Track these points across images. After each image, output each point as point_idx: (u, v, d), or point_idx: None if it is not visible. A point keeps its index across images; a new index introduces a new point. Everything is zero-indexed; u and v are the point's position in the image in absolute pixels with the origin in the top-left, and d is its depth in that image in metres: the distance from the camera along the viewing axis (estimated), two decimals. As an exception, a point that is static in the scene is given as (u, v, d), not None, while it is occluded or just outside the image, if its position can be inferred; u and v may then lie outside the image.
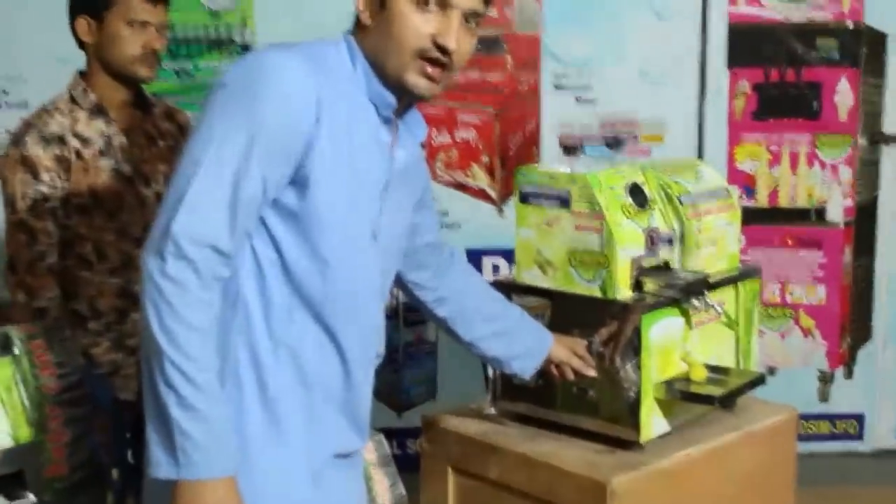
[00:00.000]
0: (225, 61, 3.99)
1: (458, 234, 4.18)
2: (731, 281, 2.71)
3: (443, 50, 1.91)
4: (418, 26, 1.90)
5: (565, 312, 2.56)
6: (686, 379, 2.58)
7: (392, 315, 4.17)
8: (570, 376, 2.54)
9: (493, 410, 2.72)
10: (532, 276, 2.61)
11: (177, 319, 1.74)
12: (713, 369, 2.62)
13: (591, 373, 2.52)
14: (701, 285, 2.55)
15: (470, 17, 1.94)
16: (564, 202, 2.52)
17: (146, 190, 2.81)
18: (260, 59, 1.85)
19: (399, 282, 2.35)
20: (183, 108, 3.07)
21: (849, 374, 4.52)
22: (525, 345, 2.52)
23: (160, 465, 1.75)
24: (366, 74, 1.96)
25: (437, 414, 2.77)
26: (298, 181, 1.86)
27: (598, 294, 2.50)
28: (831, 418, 4.54)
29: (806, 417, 4.47)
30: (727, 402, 2.56)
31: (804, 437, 4.37)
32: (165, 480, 1.76)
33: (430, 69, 1.93)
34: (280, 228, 1.88)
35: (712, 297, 2.57)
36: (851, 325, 4.49)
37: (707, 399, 2.52)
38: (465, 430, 2.66)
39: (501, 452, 2.56)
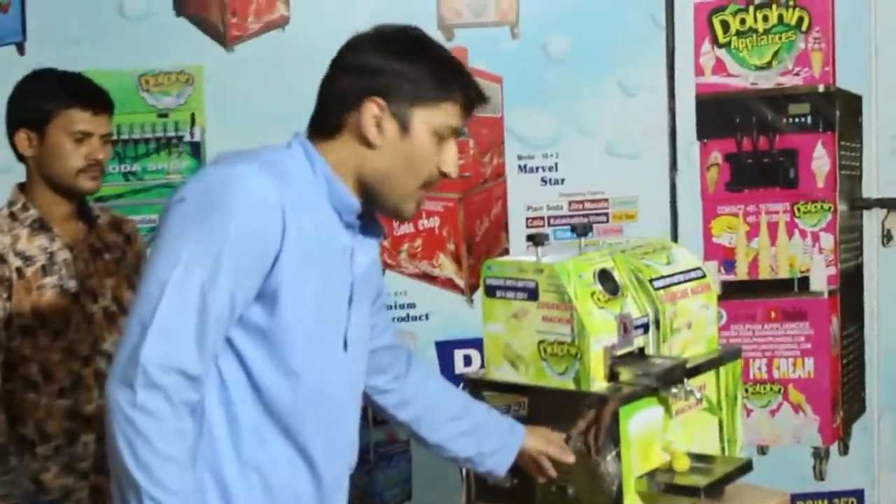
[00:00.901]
0: (174, 162, 4.03)
1: (426, 326, 4.21)
2: (711, 365, 2.76)
3: (444, 177, 2.05)
4: (434, 158, 2.04)
5: (540, 408, 2.60)
6: (669, 470, 2.61)
7: (361, 414, 4.18)
8: (549, 468, 2.56)
9: (468, 502, 2.75)
10: (503, 372, 2.65)
11: (153, 452, 1.76)
12: (697, 458, 2.66)
13: (570, 459, 2.54)
14: (679, 372, 2.60)
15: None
16: (532, 294, 2.57)
17: (93, 306, 2.83)
18: (220, 171, 1.91)
19: None
20: (131, 211, 3.11)
21: (844, 449, 4.54)
22: (496, 441, 2.55)
23: None
24: (327, 180, 2.02)
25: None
26: (266, 295, 1.90)
27: (571, 387, 2.54)
28: (829, 497, 4.54)
29: (803, 497, 4.47)
30: (713, 491, 2.59)
31: (803, 519, 4.39)
32: None
33: (424, 195, 2.06)
34: (247, 345, 1.92)
35: (692, 384, 2.61)
36: (844, 397, 4.52)
37: (692, 490, 2.55)
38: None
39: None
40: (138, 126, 4.01)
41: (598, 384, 2.52)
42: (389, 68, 2.01)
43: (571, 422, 2.54)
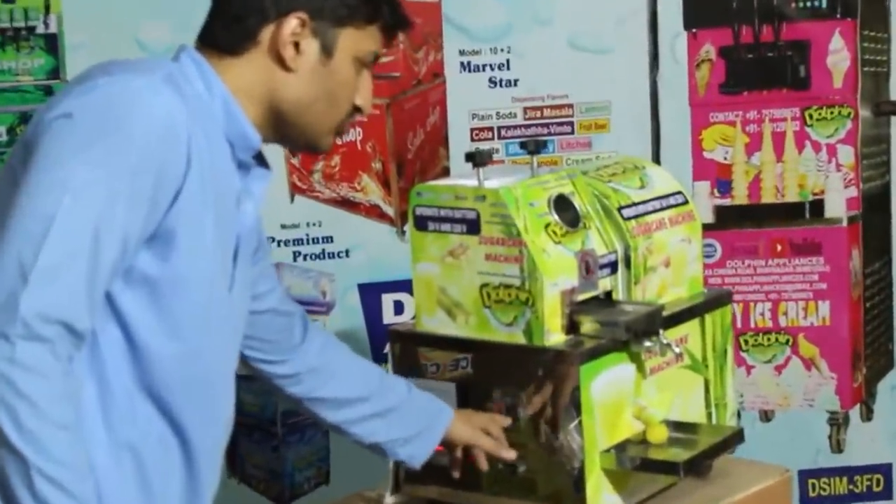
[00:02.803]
0: (24, 59, 4.01)
1: (347, 265, 4.21)
2: (695, 312, 2.83)
3: (358, 111, 2.16)
4: (356, 88, 2.14)
5: (482, 367, 2.66)
6: (643, 442, 2.68)
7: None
8: (483, 463, 2.64)
9: (395, 499, 2.81)
10: (437, 323, 2.71)
11: (40, 417, 1.77)
12: (677, 427, 2.73)
13: (509, 455, 2.62)
14: (654, 320, 2.66)
15: None
16: (472, 226, 2.61)
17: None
18: (116, 84, 1.93)
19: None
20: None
21: (868, 414, 4.58)
22: (413, 426, 2.64)
23: None
24: (225, 106, 2.07)
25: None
26: (159, 238, 1.95)
27: (521, 341, 2.60)
28: (849, 473, 4.58)
29: (817, 474, 4.51)
30: (696, 468, 2.67)
31: (817, 501, 4.46)
32: None
33: (343, 129, 2.16)
34: (129, 299, 1.96)
35: (670, 335, 2.68)
36: (867, 350, 4.56)
37: (669, 467, 2.62)
38: (367, 525, 2.75)
39: (409, 549, 2.66)
40: (-26, 16, 4.00)
41: (555, 337, 2.58)
42: None
43: (521, 384, 2.60)
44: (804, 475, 4.47)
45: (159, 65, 2.03)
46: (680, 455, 2.64)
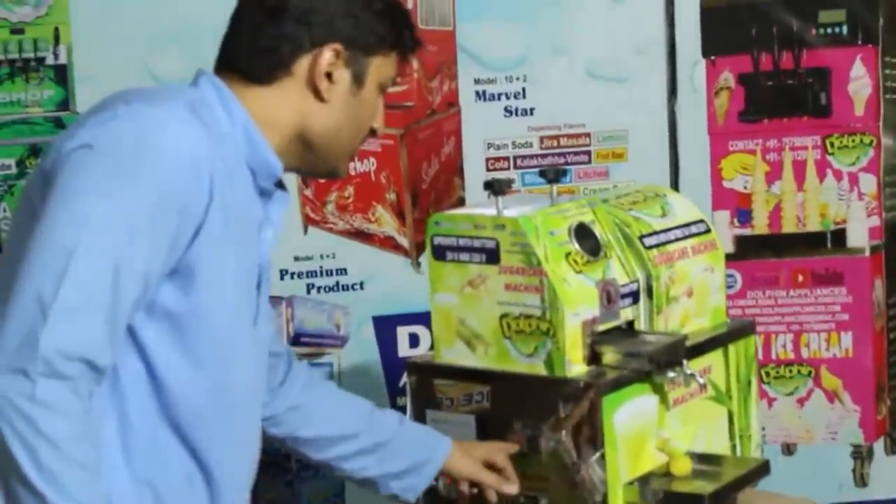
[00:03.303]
0: (34, 91, 4.01)
1: (361, 298, 4.20)
2: (718, 342, 2.82)
3: (373, 133, 2.20)
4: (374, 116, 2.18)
5: (502, 399, 2.65)
6: (666, 474, 2.66)
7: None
8: (492, 496, 2.63)
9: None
10: (456, 354, 2.70)
11: (61, 458, 1.76)
12: (701, 459, 2.71)
13: (512, 490, 2.61)
14: (677, 351, 2.65)
15: None
16: (492, 256, 2.61)
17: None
18: (139, 115, 1.93)
19: None
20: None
21: (892, 447, 4.56)
22: (406, 461, 2.63)
23: None
24: (247, 135, 2.08)
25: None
26: (181, 273, 1.95)
27: (542, 372, 2.59)
28: (874, 507, 4.59)
29: None
30: (722, 500, 2.65)
31: (840, 536, 4.44)
32: None
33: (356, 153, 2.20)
34: (149, 331, 1.96)
35: (693, 366, 2.66)
36: (891, 382, 4.54)
37: (694, 500, 2.61)
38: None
39: (430, 589, 2.65)
40: (-13, 46, 4.00)
41: (576, 368, 2.57)
42: (346, 10, 2.13)
43: (542, 416, 2.59)
44: None
45: (179, 92, 2.03)
46: (705, 488, 2.63)
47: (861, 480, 4.55)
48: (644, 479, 2.63)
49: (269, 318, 2.24)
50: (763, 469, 2.76)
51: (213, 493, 2.06)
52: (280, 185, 2.19)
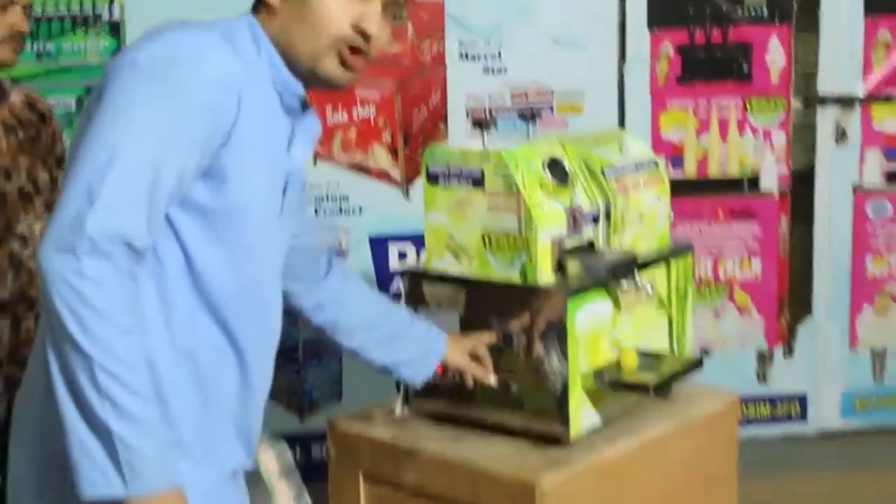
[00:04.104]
0: (92, 41, 3.93)
1: (359, 221, 4.17)
2: (662, 259, 2.74)
3: (364, 36, 1.95)
4: (339, 11, 1.93)
5: (482, 302, 2.57)
6: (617, 367, 2.60)
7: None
8: (469, 383, 2.56)
9: (405, 411, 2.72)
10: (445, 264, 2.61)
11: (106, 324, 1.69)
12: (646, 355, 2.65)
13: (491, 381, 2.54)
14: (629, 265, 2.57)
15: (389, 6, 2.00)
16: (477, 182, 2.52)
17: (6, 185, 2.74)
18: (180, 38, 1.83)
19: None
20: (45, 93, 3.01)
21: (789, 352, 4.57)
22: (413, 350, 2.53)
23: (96, 485, 1.72)
24: (270, 60, 1.96)
25: (343, 417, 2.75)
26: (213, 174, 1.85)
27: (517, 280, 2.50)
28: (772, 400, 4.58)
29: (745, 400, 4.49)
30: (662, 390, 2.58)
31: (744, 422, 4.39)
32: (101, 501, 1.73)
33: (349, 57, 1.96)
34: (187, 224, 1.86)
35: (642, 278, 2.59)
36: (790, 299, 4.54)
37: (640, 388, 2.54)
38: (375, 434, 2.64)
39: (417, 456, 2.56)
40: (52, 2, 3.90)
41: (545, 277, 2.49)
42: None
43: (516, 316, 2.51)
44: None
45: (219, 25, 1.92)
46: (649, 379, 2.56)
47: (763, 378, 4.61)
48: (598, 371, 2.56)
49: (293, 214, 2.12)
50: (696, 364, 2.69)
51: (242, 364, 1.96)
52: (306, 105, 2.07)
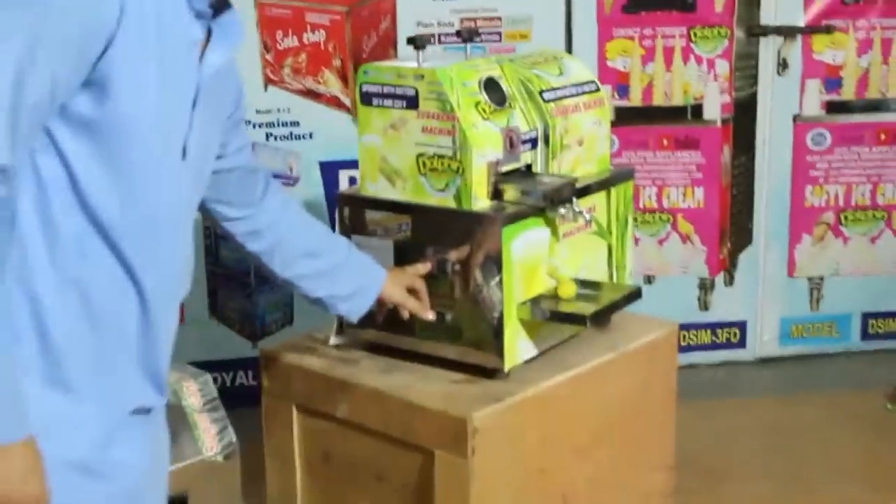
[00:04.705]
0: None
1: (310, 145, 3.88)
2: (602, 185, 2.45)
3: None
4: None
5: (417, 228, 2.28)
6: (554, 297, 2.32)
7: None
8: (405, 315, 2.27)
9: (339, 340, 2.43)
10: (379, 188, 2.32)
11: None
12: (584, 284, 2.37)
13: (428, 316, 2.26)
14: (568, 191, 2.28)
15: None
16: (411, 102, 2.22)
17: None
18: None
19: (203, 209, 2.01)
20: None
21: (730, 280, 4.33)
22: (352, 285, 2.23)
23: None
24: None
25: (276, 346, 2.47)
26: (95, 84, 1.52)
27: (452, 205, 2.21)
28: (712, 327, 4.36)
29: (686, 327, 4.29)
30: (600, 320, 2.31)
31: (685, 349, 4.19)
32: None
33: None
34: (70, 141, 1.54)
35: (581, 204, 2.30)
36: (732, 228, 4.29)
37: (577, 318, 2.26)
38: (308, 365, 2.37)
39: (350, 388, 2.28)
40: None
41: (481, 203, 2.20)
42: None
43: (452, 243, 2.22)
44: (678, 328, 4.19)
45: None
46: (586, 308, 2.28)
47: (704, 306, 4.37)
48: (535, 300, 2.28)
49: (210, 135, 1.78)
50: (635, 294, 2.41)
51: (143, 304, 1.64)
52: (229, 19, 1.73)
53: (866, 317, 4.43)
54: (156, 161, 1.61)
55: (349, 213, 2.36)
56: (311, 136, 3.86)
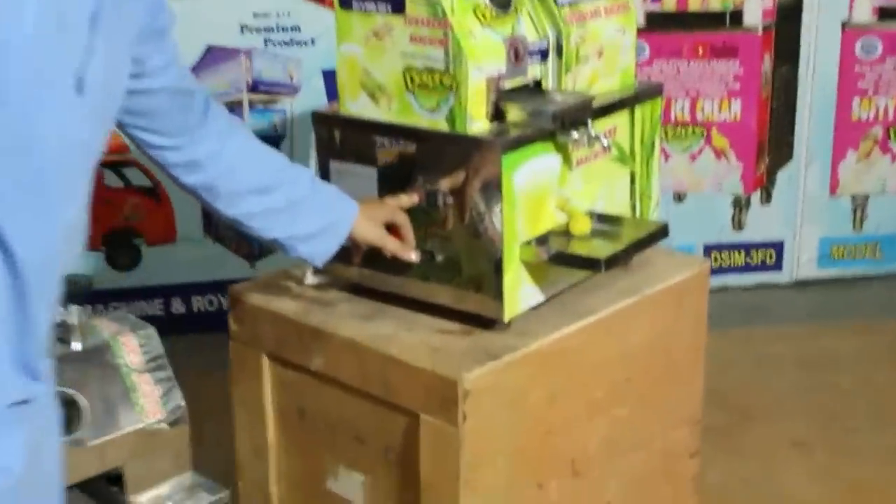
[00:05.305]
0: None
1: (312, 52, 3.51)
2: (625, 104, 2.03)
3: None
4: None
5: (404, 153, 1.88)
6: (565, 234, 1.92)
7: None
8: (388, 254, 1.88)
9: (317, 280, 2.05)
10: (360, 107, 1.91)
11: None
12: (601, 219, 1.98)
13: (411, 257, 1.86)
14: (583, 111, 1.87)
15: None
16: (397, 5, 1.80)
17: None
18: None
19: (124, 133, 1.60)
20: None
21: (766, 198, 3.94)
22: (315, 222, 1.82)
23: None
24: None
25: (246, 286, 2.09)
26: None
27: (444, 128, 1.81)
28: (746, 248, 3.98)
29: (718, 248, 3.92)
30: (617, 263, 1.91)
31: (716, 271, 3.80)
32: None
33: None
34: None
35: (599, 127, 1.90)
36: (770, 143, 3.87)
37: (590, 262, 1.86)
38: (279, 308, 1.99)
39: (324, 337, 1.91)
40: None
41: (478, 125, 1.79)
42: None
43: (442, 172, 1.83)
44: (708, 249, 3.88)
45: None
46: (602, 249, 1.88)
47: (738, 225, 4.01)
48: (542, 239, 1.88)
49: (118, 58, 1.36)
50: (661, 232, 2.00)
51: (14, 274, 1.25)
52: None
53: (912, 238, 4.03)
54: (38, 90, 1.20)
55: (326, 134, 1.96)
56: (312, 42, 3.48)
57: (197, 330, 3.53)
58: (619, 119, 2.02)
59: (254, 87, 3.45)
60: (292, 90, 3.48)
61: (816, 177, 3.92)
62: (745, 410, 3.18)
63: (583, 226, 1.92)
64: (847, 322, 3.76)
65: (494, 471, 1.84)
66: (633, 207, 2.11)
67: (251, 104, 3.46)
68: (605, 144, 1.92)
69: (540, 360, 1.85)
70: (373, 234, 1.84)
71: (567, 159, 1.90)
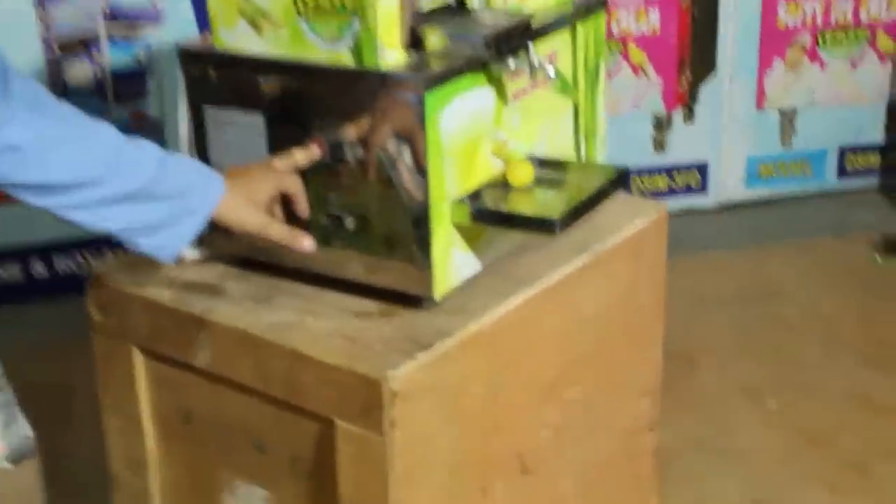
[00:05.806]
0: None
1: None
2: (566, 21, 1.65)
3: None
4: None
5: (296, 95, 1.47)
6: (504, 185, 1.55)
7: (97, 88, 3.00)
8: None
9: (198, 254, 1.65)
10: (238, 38, 1.50)
11: None
12: (544, 164, 1.61)
13: (307, 248, 1.47)
14: (522, 33, 1.50)
15: None
16: None
17: None
18: None
19: None
20: None
21: (689, 116, 3.61)
22: (161, 209, 1.39)
23: None
24: None
25: (110, 267, 1.67)
26: None
27: (348, 62, 1.41)
28: (669, 170, 3.66)
29: (639, 172, 3.60)
30: (572, 223, 1.54)
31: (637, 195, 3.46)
32: None
33: None
34: None
35: (539, 51, 1.51)
36: (692, 57, 3.53)
37: (541, 223, 1.49)
38: (151, 295, 1.58)
39: (209, 327, 1.52)
40: None
41: (391, 56, 1.40)
42: None
43: (348, 117, 1.43)
44: (629, 173, 3.48)
45: None
46: (552, 205, 1.52)
47: (659, 146, 3.68)
48: (476, 195, 1.50)
49: None
50: (621, 179, 1.64)
51: None
52: None
53: (844, 151, 3.75)
54: None
55: (197, 74, 1.55)
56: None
57: (63, 293, 3.09)
58: (560, 41, 1.64)
59: (112, 17, 2.98)
60: (156, 17, 3.01)
61: (742, 90, 3.61)
62: (686, 356, 2.87)
63: (524, 174, 1.55)
64: (781, 246, 3.48)
65: (430, 484, 1.48)
66: (578, 145, 1.75)
67: (110, 36, 2.98)
68: (549, 74, 1.54)
69: (479, 345, 1.49)
70: (251, 220, 1.43)
71: (502, 93, 1.52)
